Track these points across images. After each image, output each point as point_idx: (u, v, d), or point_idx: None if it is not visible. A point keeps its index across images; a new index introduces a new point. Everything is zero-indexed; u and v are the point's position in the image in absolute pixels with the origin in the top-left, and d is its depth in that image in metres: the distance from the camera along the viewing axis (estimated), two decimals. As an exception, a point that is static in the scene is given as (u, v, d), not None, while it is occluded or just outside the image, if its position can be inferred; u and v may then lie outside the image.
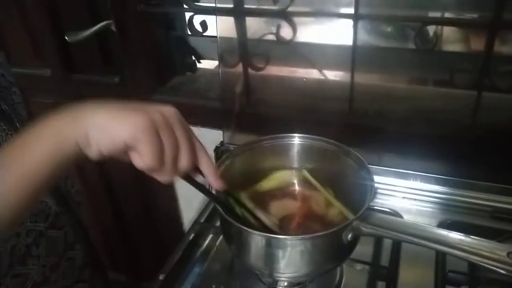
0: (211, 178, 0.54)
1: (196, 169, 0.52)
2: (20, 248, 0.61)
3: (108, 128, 0.44)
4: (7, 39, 1.25)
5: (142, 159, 0.44)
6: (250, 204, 0.67)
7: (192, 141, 0.49)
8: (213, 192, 0.59)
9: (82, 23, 1.08)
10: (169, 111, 0.47)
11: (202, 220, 0.84)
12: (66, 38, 1.09)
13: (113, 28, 1.04)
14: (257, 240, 0.60)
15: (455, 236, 0.55)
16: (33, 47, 1.24)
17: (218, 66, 0.97)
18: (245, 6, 0.89)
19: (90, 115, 0.44)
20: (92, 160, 0.46)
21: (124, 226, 1.45)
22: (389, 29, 0.91)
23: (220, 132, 1.02)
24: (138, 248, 1.50)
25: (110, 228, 1.45)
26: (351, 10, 0.83)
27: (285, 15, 0.86)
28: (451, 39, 0.88)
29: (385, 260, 0.74)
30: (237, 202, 0.64)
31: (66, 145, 0.44)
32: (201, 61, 1.13)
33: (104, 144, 0.44)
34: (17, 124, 0.62)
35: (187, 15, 0.95)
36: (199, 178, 0.53)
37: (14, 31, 1.23)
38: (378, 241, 0.75)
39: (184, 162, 0.48)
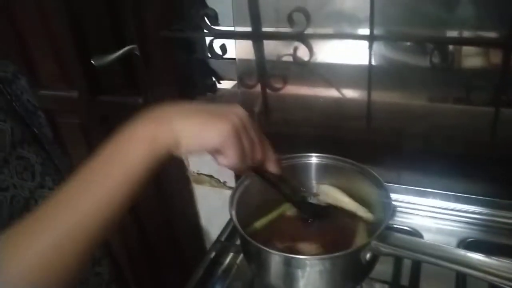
0: (273, 167, 0.59)
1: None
2: None
3: (199, 136, 0.49)
4: (36, 63, 1.30)
5: (227, 160, 0.51)
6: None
7: (261, 136, 0.55)
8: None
9: (107, 47, 1.13)
10: (243, 114, 0.52)
11: (223, 239, 0.86)
12: (92, 62, 1.14)
13: (137, 52, 1.08)
14: (276, 259, 0.61)
15: (475, 256, 0.55)
16: (60, 70, 1.29)
17: (238, 86, 1.00)
18: (263, 29, 0.91)
19: (180, 122, 0.48)
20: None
21: (146, 243, 1.47)
22: (405, 47, 0.91)
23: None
24: (161, 264, 1.52)
25: (133, 244, 1.47)
26: (367, 30, 0.85)
27: (302, 37, 0.88)
28: (468, 56, 0.88)
29: (405, 279, 0.73)
30: (294, 191, 0.70)
31: (159, 150, 0.47)
32: (221, 81, 1.16)
33: (193, 148, 0.50)
34: (46, 146, 0.65)
35: (207, 39, 0.98)
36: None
37: (42, 55, 1.28)
38: (397, 260, 0.75)
39: (258, 156, 0.54)
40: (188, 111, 0.50)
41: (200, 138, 0.49)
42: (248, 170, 0.58)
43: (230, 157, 0.50)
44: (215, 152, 0.51)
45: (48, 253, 0.43)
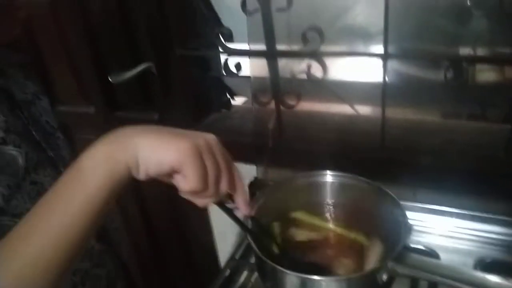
0: (242, 204, 0.56)
1: (229, 195, 0.54)
2: (67, 287, 0.64)
3: (156, 152, 0.47)
4: (54, 79, 1.33)
5: (187, 182, 0.47)
6: (278, 237, 0.69)
7: (230, 166, 0.52)
8: (243, 220, 0.61)
9: (124, 64, 1.15)
10: (211, 138, 0.50)
11: (237, 257, 0.86)
12: (109, 79, 1.16)
13: (153, 70, 1.10)
14: (292, 280, 0.61)
15: (493, 279, 0.55)
16: (78, 86, 1.32)
17: (252, 103, 1.01)
18: (277, 47, 0.92)
19: (139, 139, 0.47)
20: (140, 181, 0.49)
21: (160, 259, 1.47)
22: (419, 63, 0.91)
23: (253, 166, 1.04)
24: (174, 280, 1.52)
25: (147, 260, 1.48)
26: (380, 47, 0.85)
27: (316, 55, 0.89)
28: (482, 72, 0.88)
29: (422, 300, 0.73)
30: (266, 233, 0.66)
31: (118, 169, 0.46)
32: (235, 98, 1.18)
33: (152, 166, 0.47)
34: (61, 169, 0.65)
35: (222, 57, 1.00)
36: (230, 205, 0.56)
37: (60, 72, 1.31)
38: (414, 282, 0.74)
39: (224, 185, 0.50)
40: (149, 131, 0.49)
41: (157, 155, 0.46)
42: (213, 202, 0.52)
43: (189, 177, 0.46)
44: (174, 172, 0.48)
45: (22, 273, 0.44)
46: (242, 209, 0.56)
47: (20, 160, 0.56)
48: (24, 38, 1.25)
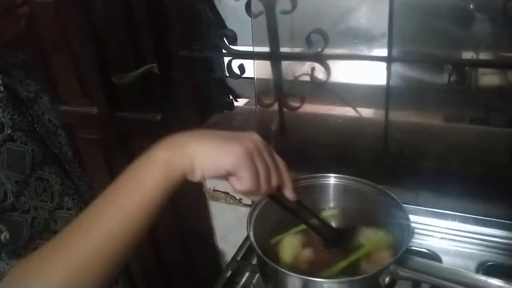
0: (289, 192, 0.58)
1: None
2: None
3: (212, 157, 0.50)
4: (57, 79, 1.33)
5: (242, 183, 0.51)
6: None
7: (277, 161, 0.55)
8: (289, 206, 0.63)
9: (127, 65, 1.15)
10: (257, 139, 0.53)
11: (239, 258, 0.86)
12: (113, 80, 1.17)
13: (156, 70, 1.10)
14: (294, 281, 0.61)
15: (495, 282, 0.55)
16: (80, 86, 1.32)
17: (255, 105, 1.01)
18: (281, 50, 0.93)
19: (195, 146, 0.50)
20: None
21: (161, 259, 1.47)
22: (422, 66, 0.92)
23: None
24: (175, 281, 1.52)
25: (148, 260, 1.48)
26: (384, 51, 0.85)
27: (319, 58, 0.89)
28: (486, 77, 0.88)
29: (423, 304, 0.73)
30: (311, 214, 0.68)
31: (174, 174, 0.49)
32: (238, 100, 1.18)
33: (208, 171, 0.50)
34: (65, 166, 0.66)
35: (226, 59, 1.00)
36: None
37: (63, 72, 1.31)
38: (415, 285, 0.74)
39: (274, 181, 0.54)
40: (203, 136, 0.52)
41: (214, 160, 0.50)
42: (264, 196, 0.57)
43: (244, 180, 0.50)
44: (229, 175, 0.51)
45: (69, 278, 0.45)
46: (290, 196, 0.59)
47: (27, 157, 0.57)
48: (28, 37, 1.25)
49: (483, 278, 0.56)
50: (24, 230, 0.54)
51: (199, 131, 0.53)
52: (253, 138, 0.52)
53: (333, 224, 0.74)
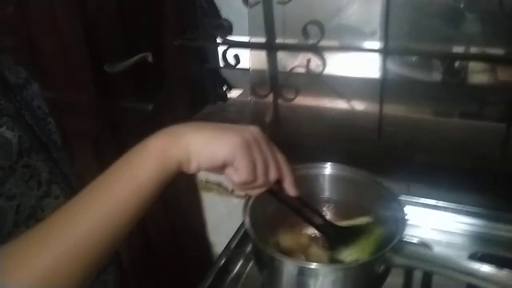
0: (289, 187, 0.57)
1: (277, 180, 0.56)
2: None
3: (209, 147, 0.49)
4: (47, 66, 1.31)
5: (238, 174, 0.50)
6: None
7: (276, 153, 0.53)
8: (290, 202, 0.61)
9: (120, 53, 1.14)
10: (256, 131, 0.52)
11: (232, 246, 0.86)
12: (105, 68, 1.15)
13: (150, 59, 1.09)
14: (289, 268, 0.61)
15: (488, 269, 0.56)
16: (71, 74, 1.30)
17: (250, 96, 1.01)
18: (277, 40, 0.93)
19: (191, 136, 0.49)
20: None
21: (152, 250, 1.46)
22: (413, 63, 0.93)
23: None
24: (165, 272, 1.51)
25: (138, 251, 1.47)
26: (377, 43, 0.86)
27: (316, 50, 0.89)
28: (478, 72, 0.90)
29: (415, 292, 0.74)
30: (314, 212, 0.67)
31: (169, 164, 0.48)
32: (231, 91, 1.18)
33: (204, 161, 0.49)
34: (52, 153, 0.65)
35: (221, 49, 1.00)
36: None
37: (53, 59, 1.29)
38: (408, 274, 0.75)
39: (272, 174, 0.53)
40: (201, 126, 0.51)
41: (210, 150, 0.49)
42: (263, 191, 0.55)
43: (241, 170, 0.49)
44: (225, 166, 0.50)
45: (54, 265, 0.43)
46: (290, 191, 0.58)
47: (14, 143, 0.55)
48: (17, 23, 1.23)
49: (474, 265, 0.57)
50: (8, 217, 0.53)
51: (196, 122, 0.52)
52: (252, 129, 0.52)
53: (335, 223, 0.71)
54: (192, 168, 0.49)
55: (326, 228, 0.67)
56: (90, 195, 0.47)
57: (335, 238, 0.66)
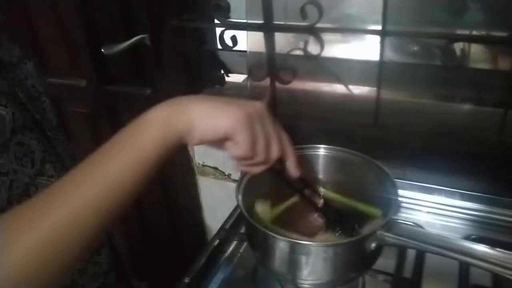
0: (291, 167, 0.57)
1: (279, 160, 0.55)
2: None
3: (211, 118, 0.49)
4: (45, 49, 1.31)
5: (238, 148, 0.49)
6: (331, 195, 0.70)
7: (279, 132, 0.53)
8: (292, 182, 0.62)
9: (117, 36, 1.13)
10: (261, 106, 0.51)
11: (227, 227, 0.86)
12: (102, 50, 1.14)
13: (147, 41, 1.08)
14: (281, 245, 0.61)
15: (480, 248, 0.55)
16: (69, 58, 1.30)
17: (247, 79, 1.00)
18: (275, 22, 0.92)
19: (195, 107, 0.49)
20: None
21: (147, 233, 1.47)
22: (416, 46, 0.92)
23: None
24: (161, 254, 1.52)
25: (134, 234, 1.47)
26: (378, 27, 0.85)
27: (313, 31, 0.89)
28: (477, 57, 0.89)
29: (408, 272, 0.74)
30: (314, 193, 0.67)
31: (171, 134, 0.48)
32: (229, 74, 1.17)
33: (207, 132, 0.49)
34: (47, 132, 0.65)
35: (218, 30, 0.99)
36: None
37: (51, 42, 1.28)
38: (401, 253, 0.75)
39: (274, 151, 0.52)
40: (204, 99, 0.51)
41: (213, 121, 0.49)
42: (264, 169, 0.54)
43: (241, 144, 0.49)
44: (226, 140, 0.50)
45: (50, 237, 0.43)
46: (292, 171, 0.57)
47: (7, 120, 0.55)
48: (13, 5, 1.22)
49: (469, 243, 0.57)
50: (2, 191, 0.53)
51: (202, 95, 0.52)
52: (257, 105, 0.51)
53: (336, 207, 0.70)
54: (194, 139, 0.49)
55: (327, 211, 0.67)
56: (95, 162, 0.47)
57: (335, 221, 0.66)
